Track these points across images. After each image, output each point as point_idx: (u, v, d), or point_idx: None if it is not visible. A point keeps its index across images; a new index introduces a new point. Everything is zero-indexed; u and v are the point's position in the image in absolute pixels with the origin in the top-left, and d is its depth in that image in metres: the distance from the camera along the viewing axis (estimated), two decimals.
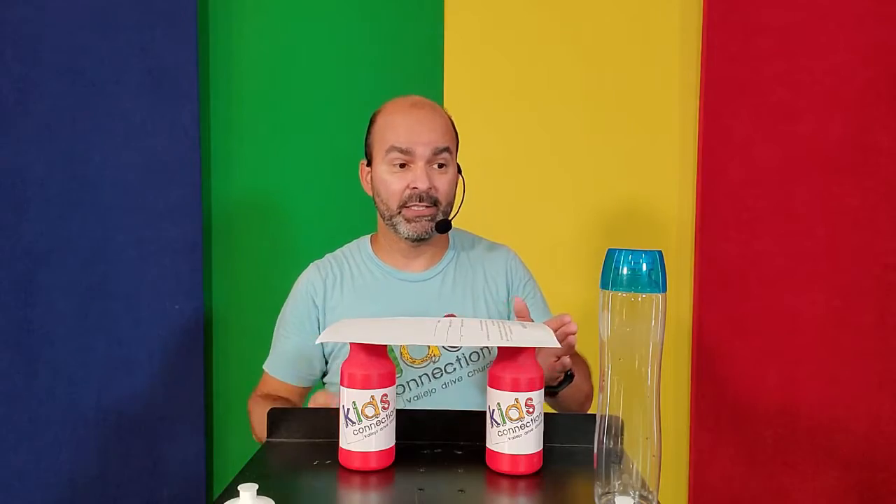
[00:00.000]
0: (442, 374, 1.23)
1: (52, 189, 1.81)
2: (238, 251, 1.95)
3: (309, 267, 1.33)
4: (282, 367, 1.31)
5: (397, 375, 1.21)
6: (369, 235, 1.35)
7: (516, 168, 1.84)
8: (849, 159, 1.77)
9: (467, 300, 1.27)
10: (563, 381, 1.14)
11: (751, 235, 1.79)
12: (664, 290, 0.71)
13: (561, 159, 1.85)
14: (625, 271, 0.71)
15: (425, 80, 1.87)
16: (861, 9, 1.75)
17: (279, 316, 1.34)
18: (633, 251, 0.71)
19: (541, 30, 1.83)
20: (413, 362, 1.23)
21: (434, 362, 1.24)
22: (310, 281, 1.30)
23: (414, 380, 1.23)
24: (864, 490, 1.80)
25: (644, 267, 0.70)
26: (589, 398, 1.26)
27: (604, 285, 0.72)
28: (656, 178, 1.85)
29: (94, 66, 1.81)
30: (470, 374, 1.23)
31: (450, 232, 1.33)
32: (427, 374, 1.23)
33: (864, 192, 1.77)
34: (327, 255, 1.35)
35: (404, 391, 1.23)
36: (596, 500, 0.75)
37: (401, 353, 1.25)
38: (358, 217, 1.89)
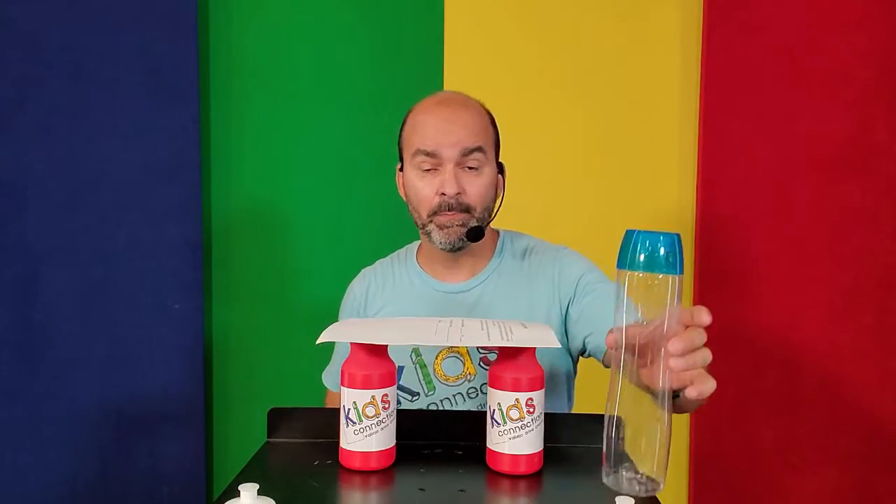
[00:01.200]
0: (478, 395, 1.14)
1: (52, 189, 1.81)
2: (238, 251, 1.95)
3: (359, 274, 1.31)
4: (333, 378, 1.30)
5: (430, 393, 1.16)
6: (418, 242, 1.28)
7: (515, 168, 1.84)
8: (849, 159, 1.77)
9: (510, 309, 1.16)
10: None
11: (751, 235, 1.79)
12: (681, 272, 0.69)
13: (560, 159, 1.85)
14: (642, 255, 0.69)
15: (425, 80, 1.87)
16: (861, 9, 1.75)
17: None
18: (651, 233, 0.70)
19: (540, 30, 1.83)
20: (447, 380, 1.15)
21: (469, 381, 1.15)
22: (354, 290, 1.29)
23: (448, 398, 1.15)
24: (864, 490, 1.80)
25: (662, 250, 0.69)
26: None
27: (620, 265, 0.71)
28: (656, 178, 1.85)
29: (94, 66, 1.81)
30: None
31: (500, 234, 1.26)
32: (462, 394, 1.15)
33: (864, 192, 1.77)
34: (379, 261, 1.31)
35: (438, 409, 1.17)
36: (603, 477, 0.74)
37: (434, 371, 1.17)
38: (359, 216, 1.89)
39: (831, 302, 1.78)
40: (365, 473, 0.86)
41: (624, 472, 0.71)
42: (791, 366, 1.79)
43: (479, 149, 1.12)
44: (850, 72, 1.76)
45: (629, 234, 0.71)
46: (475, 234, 1.12)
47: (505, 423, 0.84)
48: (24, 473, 1.82)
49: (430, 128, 1.11)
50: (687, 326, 0.70)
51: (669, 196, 1.85)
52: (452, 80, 1.81)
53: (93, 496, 1.84)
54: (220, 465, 1.97)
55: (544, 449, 0.87)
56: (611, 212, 1.85)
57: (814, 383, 1.79)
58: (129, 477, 1.84)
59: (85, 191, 1.82)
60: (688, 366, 0.68)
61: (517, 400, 0.84)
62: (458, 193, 1.10)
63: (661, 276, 0.69)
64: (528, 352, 0.85)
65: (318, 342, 0.93)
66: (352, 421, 0.85)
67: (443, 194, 1.10)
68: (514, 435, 0.84)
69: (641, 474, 0.70)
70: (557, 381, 1.20)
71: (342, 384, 0.87)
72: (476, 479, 0.85)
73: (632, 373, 0.72)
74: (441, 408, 1.16)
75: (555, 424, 0.93)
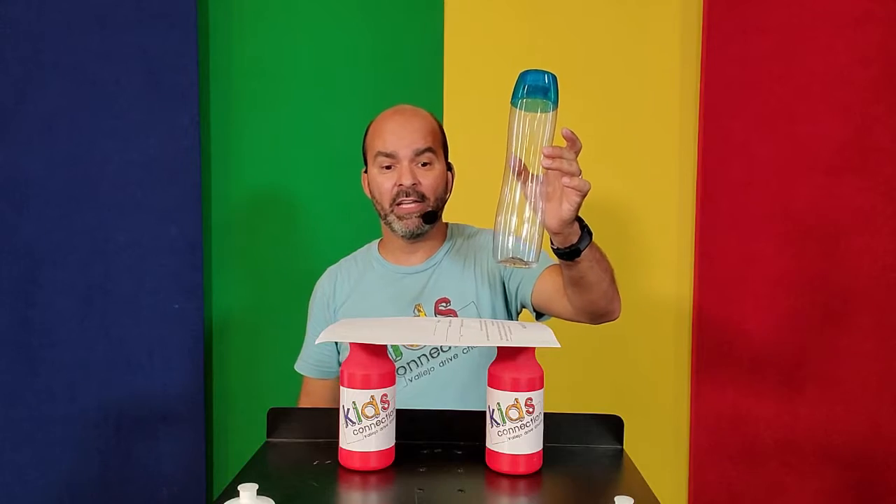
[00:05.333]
0: (439, 353, 1.29)
1: (52, 189, 1.81)
2: (238, 251, 1.95)
3: (325, 272, 1.44)
4: (308, 366, 1.42)
5: (397, 358, 1.29)
6: (379, 239, 1.44)
7: None
8: (849, 159, 1.77)
9: (460, 282, 1.33)
10: (580, 239, 1.01)
11: (751, 235, 1.79)
12: (556, 106, 0.97)
13: None
14: (528, 86, 0.96)
15: (425, 80, 1.87)
16: (861, 9, 1.75)
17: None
18: (536, 71, 0.97)
19: (541, 30, 1.83)
20: (412, 345, 1.30)
21: None
22: (322, 285, 1.42)
23: (414, 361, 1.30)
24: (863, 490, 1.80)
25: (546, 80, 0.97)
26: (613, 285, 1.14)
27: (513, 103, 0.95)
28: (656, 178, 1.85)
29: (94, 66, 1.81)
30: (465, 351, 1.29)
31: (449, 226, 1.41)
32: (425, 355, 1.30)
33: (864, 192, 1.77)
34: (342, 259, 1.45)
35: (406, 372, 1.30)
36: (498, 257, 0.92)
37: None
38: (358, 216, 1.89)
39: (831, 302, 1.78)
40: (364, 473, 0.86)
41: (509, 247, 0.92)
42: (791, 366, 1.79)
43: (430, 149, 1.30)
44: (850, 72, 1.76)
45: (521, 74, 0.96)
46: (431, 217, 1.30)
47: (504, 422, 0.84)
48: (24, 473, 1.82)
49: (388, 133, 1.30)
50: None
51: (669, 196, 1.85)
52: (452, 80, 1.81)
53: (93, 496, 1.84)
54: (220, 465, 1.97)
55: (544, 449, 0.87)
56: (611, 211, 1.85)
57: (814, 383, 1.79)
58: (129, 477, 1.84)
59: (85, 191, 1.82)
60: (555, 165, 0.92)
61: (516, 400, 0.84)
62: (414, 184, 1.28)
63: (540, 115, 0.94)
64: (527, 352, 0.85)
65: (317, 342, 0.93)
66: (351, 421, 0.85)
67: (400, 185, 1.28)
68: (514, 435, 0.84)
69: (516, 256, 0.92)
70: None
71: (341, 384, 0.87)
72: (475, 478, 0.85)
73: (519, 185, 0.93)
74: (409, 370, 1.30)
75: (554, 424, 0.93)
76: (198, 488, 1.86)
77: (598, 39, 1.83)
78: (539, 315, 1.32)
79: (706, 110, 1.79)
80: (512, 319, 1.35)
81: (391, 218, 1.30)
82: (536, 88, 0.95)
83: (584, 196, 0.95)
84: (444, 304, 1.30)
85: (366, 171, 1.37)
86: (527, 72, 0.96)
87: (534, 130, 0.94)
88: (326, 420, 0.94)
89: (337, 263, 1.45)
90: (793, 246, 1.78)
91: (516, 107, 0.94)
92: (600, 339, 1.85)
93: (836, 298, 1.78)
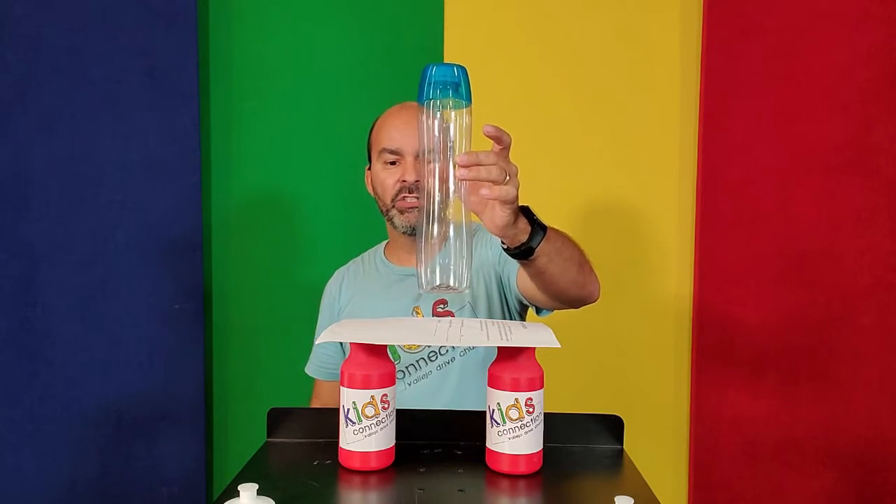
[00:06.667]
0: (437, 357, 1.30)
1: (52, 189, 1.81)
2: (238, 251, 1.95)
3: (334, 274, 1.47)
4: (316, 368, 1.45)
5: (396, 362, 1.29)
6: (387, 241, 1.45)
7: None
8: (849, 159, 1.77)
9: None
10: (532, 236, 0.93)
11: (751, 235, 1.79)
12: (469, 101, 0.84)
13: (560, 159, 1.85)
14: (438, 83, 0.82)
15: None
16: (861, 9, 1.75)
17: None
18: (443, 64, 0.83)
19: (541, 30, 1.83)
20: (410, 348, 1.31)
21: (428, 346, 1.32)
22: (330, 287, 1.45)
23: (412, 364, 1.31)
24: (863, 490, 1.79)
25: (455, 72, 0.83)
26: (584, 270, 1.07)
27: (421, 100, 0.82)
28: (656, 178, 1.85)
29: (94, 66, 1.81)
30: (462, 354, 1.30)
31: None
32: (423, 358, 1.30)
33: (864, 192, 1.77)
34: (351, 260, 1.48)
35: (404, 376, 1.31)
36: (423, 285, 0.84)
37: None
38: (358, 216, 1.89)
39: (831, 302, 1.78)
40: (364, 473, 0.86)
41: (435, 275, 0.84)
42: (791, 366, 1.79)
43: None
44: (850, 72, 1.76)
45: (425, 67, 0.83)
46: None
47: (504, 422, 0.84)
48: (24, 473, 1.82)
49: (394, 129, 1.30)
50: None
51: (669, 196, 1.85)
52: None
53: (93, 496, 1.84)
54: (219, 465, 1.97)
55: (544, 449, 0.87)
56: (611, 212, 1.85)
57: (814, 383, 1.79)
58: (129, 477, 1.84)
59: (85, 191, 1.82)
60: (471, 175, 0.81)
61: (516, 400, 0.84)
62: (417, 180, 1.27)
63: (452, 114, 0.82)
64: (527, 352, 0.85)
65: (317, 342, 0.93)
66: (351, 421, 0.85)
67: (403, 181, 1.28)
68: (514, 435, 0.84)
69: (443, 284, 0.84)
70: None
71: (342, 384, 0.87)
72: (475, 479, 0.85)
73: (439, 200, 0.84)
74: (407, 374, 1.31)
75: (554, 424, 0.93)
76: (198, 488, 1.86)
77: (598, 40, 1.83)
78: (539, 310, 1.30)
79: (706, 110, 1.79)
80: (512, 315, 1.35)
81: (393, 213, 1.31)
82: (445, 84, 0.82)
83: (512, 203, 0.84)
84: (441, 306, 1.31)
85: (369, 168, 1.38)
86: (431, 66, 0.83)
87: (445, 133, 0.82)
88: (326, 420, 0.94)
89: (346, 265, 1.47)
90: (793, 246, 1.78)
91: (424, 107, 0.82)
92: (600, 338, 1.86)
93: (836, 298, 1.78)
